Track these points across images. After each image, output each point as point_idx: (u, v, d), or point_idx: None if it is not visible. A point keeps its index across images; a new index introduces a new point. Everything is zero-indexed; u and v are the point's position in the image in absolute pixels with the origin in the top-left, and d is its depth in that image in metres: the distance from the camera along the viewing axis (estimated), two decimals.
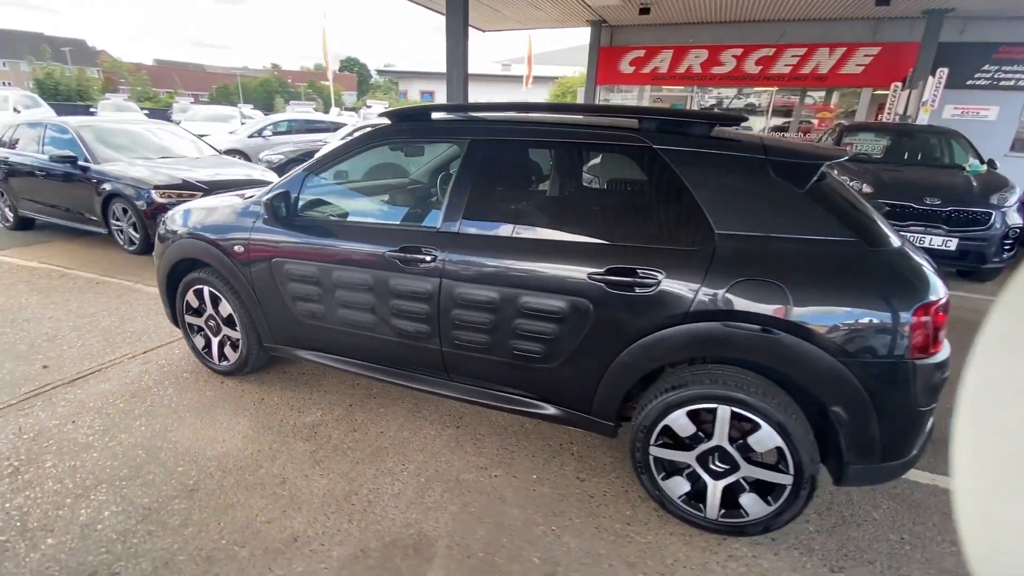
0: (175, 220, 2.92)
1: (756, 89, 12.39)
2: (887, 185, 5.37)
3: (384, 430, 2.55)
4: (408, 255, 2.19)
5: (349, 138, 2.51)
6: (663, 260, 1.84)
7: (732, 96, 12.82)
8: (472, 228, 2.14)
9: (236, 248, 2.61)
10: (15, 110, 12.92)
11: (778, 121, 12.45)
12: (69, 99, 24.33)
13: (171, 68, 66.56)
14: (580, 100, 14.87)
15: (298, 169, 2.57)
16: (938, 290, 1.67)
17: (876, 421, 1.70)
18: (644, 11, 10.38)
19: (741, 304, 1.73)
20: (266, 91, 57.12)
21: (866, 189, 5.41)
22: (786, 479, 1.81)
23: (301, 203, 2.52)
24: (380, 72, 51.86)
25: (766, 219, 1.78)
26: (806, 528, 2.04)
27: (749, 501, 1.89)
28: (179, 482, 2.14)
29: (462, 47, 6.47)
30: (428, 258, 2.15)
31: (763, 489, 1.87)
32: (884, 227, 1.84)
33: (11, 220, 6.24)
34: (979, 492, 0.46)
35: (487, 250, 2.09)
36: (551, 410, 2.16)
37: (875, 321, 1.64)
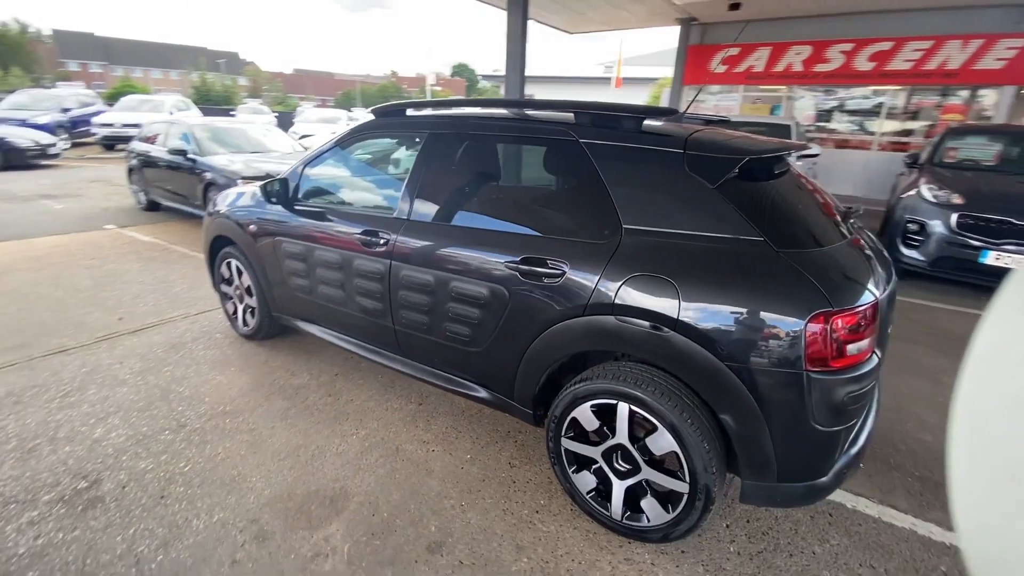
0: (218, 201, 3.42)
1: (887, 88, 11.00)
2: (982, 196, 4.62)
3: (354, 399, 2.80)
4: (368, 237, 2.40)
5: (342, 132, 2.78)
6: (571, 252, 1.85)
7: (856, 96, 11.52)
8: (419, 215, 2.30)
9: (251, 227, 3.01)
10: (170, 112, 15.45)
11: (907, 125, 10.96)
12: (217, 104, 28.62)
13: (305, 76, 74.59)
14: (663, 102, 14.30)
15: (298, 160, 2.90)
16: (848, 299, 1.51)
17: (769, 436, 1.58)
18: (734, 7, 9.79)
19: (632, 299, 1.70)
20: (383, 96, 62.02)
21: (955, 200, 4.70)
22: (683, 487, 1.73)
23: (300, 190, 2.85)
24: (485, 77, 54.09)
25: (673, 215, 1.73)
26: (728, 548, 1.92)
27: (649, 506, 1.84)
28: (174, 419, 2.55)
29: (519, 47, 6.63)
30: (382, 241, 2.35)
31: (664, 495, 1.81)
32: (810, 230, 1.71)
33: (143, 202, 7.54)
34: (977, 502, 0.46)
35: (429, 236, 2.24)
36: (483, 393, 2.24)
37: (766, 326, 1.52)
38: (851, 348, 1.52)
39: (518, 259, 1.95)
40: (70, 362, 3.05)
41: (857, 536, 2.00)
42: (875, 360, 1.62)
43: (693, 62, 12.44)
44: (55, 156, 11.66)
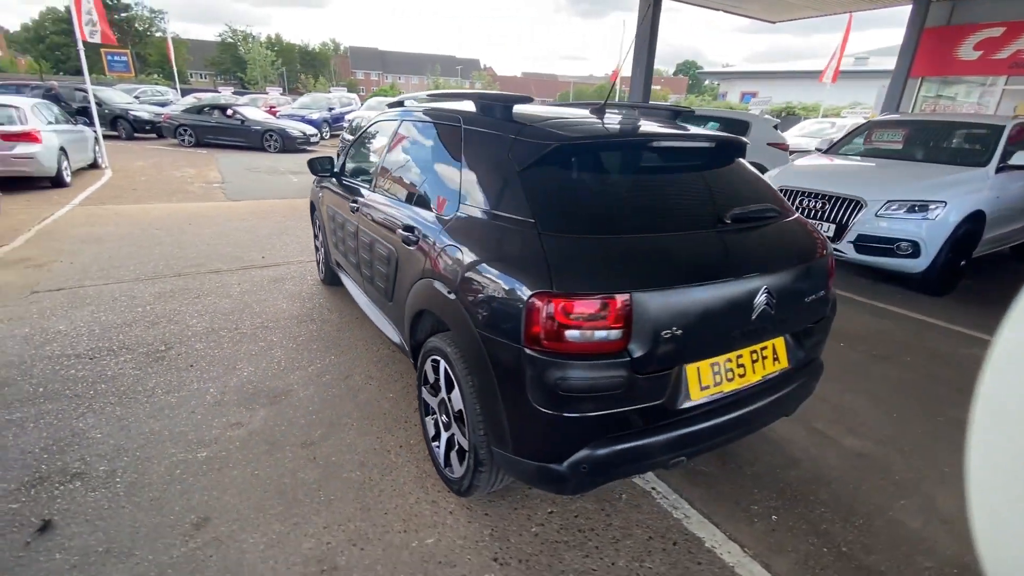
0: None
1: None
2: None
3: (354, 336, 3.47)
4: (351, 203, 3.00)
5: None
6: (428, 223, 2.12)
7: None
8: (378, 189, 2.79)
9: (320, 193, 3.91)
10: None
11: None
12: None
13: (531, 79, 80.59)
14: (881, 98, 11.74)
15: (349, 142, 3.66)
16: (577, 286, 1.49)
17: (502, 405, 1.63)
18: None
19: (443, 266, 1.90)
20: (599, 95, 63.65)
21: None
22: (466, 444, 1.88)
23: (344, 167, 3.60)
24: (710, 74, 50.85)
25: (491, 196, 1.85)
26: (530, 527, 1.97)
27: (455, 459, 2.02)
28: (236, 324, 3.57)
29: (648, 42, 6.44)
30: (353, 207, 2.92)
31: (461, 450, 1.97)
32: (600, 217, 1.70)
33: None
34: (995, 506, 0.45)
35: (376, 205, 2.71)
36: (396, 339, 2.63)
37: (503, 300, 1.60)
38: (572, 334, 1.49)
39: (402, 227, 2.29)
40: (212, 279, 4.43)
41: (683, 571, 1.81)
42: (624, 356, 1.52)
43: (929, 48, 9.96)
44: (315, 144, 15.54)
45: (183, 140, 15.13)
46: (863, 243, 4.59)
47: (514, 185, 1.76)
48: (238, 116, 15.26)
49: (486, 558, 1.83)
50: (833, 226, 4.74)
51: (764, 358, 1.88)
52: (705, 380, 1.72)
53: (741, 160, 2.25)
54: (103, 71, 32.71)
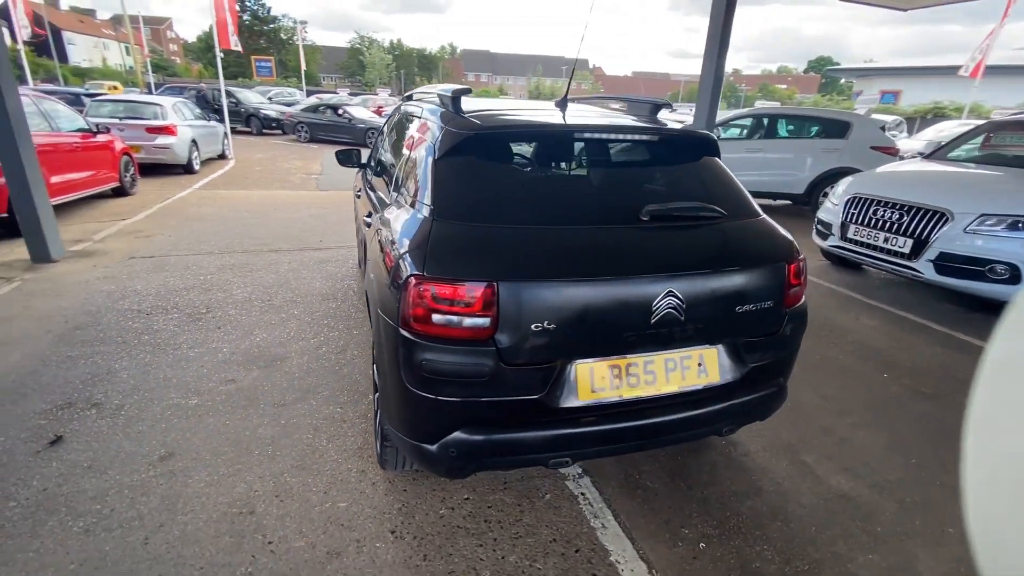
0: None
1: None
2: None
3: (366, 313, 3.72)
4: (357, 191, 3.24)
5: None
6: (379, 208, 2.25)
7: None
8: (372, 178, 2.98)
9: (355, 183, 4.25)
10: None
11: None
12: None
13: (641, 78, 78.18)
14: None
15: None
16: (445, 271, 1.53)
17: (389, 382, 1.71)
18: None
19: (373, 250, 2.03)
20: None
21: None
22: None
23: (372, 158, 3.86)
24: (845, 71, 45.54)
25: (416, 185, 1.91)
26: (439, 509, 2.01)
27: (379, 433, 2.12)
28: (271, 298, 3.99)
29: (720, 34, 5.97)
30: (359, 192, 3.14)
31: None
32: (494, 208, 1.70)
33: None
34: (993, 517, 0.46)
35: (365, 193, 2.90)
36: None
37: (391, 281, 1.66)
38: (439, 318, 1.50)
39: (366, 213, 2.45)
40: (270, 257, 4.98)
41: None
42: (491, 345, 1.51)
43: None
44: None
45: (300, 136, 16.95)
46: (946, 263, 3.92)
47: (429, 174, 1.81)
48: (346, 115, 16.76)
49: (385, 529, 1.91)
50: (910, 241, 4.11)
51: (686, 368, 1.74)
52: (599, 382, 1.64)
53: (712, 159, 2.09)
54: (252, 75, 37.66)
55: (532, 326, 1.52)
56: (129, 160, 7.52)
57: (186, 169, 9.55)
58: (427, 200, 1.74)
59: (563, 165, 1.89)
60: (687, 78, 65.54)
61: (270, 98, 23.34)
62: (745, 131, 8.54)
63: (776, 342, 1.89)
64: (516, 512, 2.02)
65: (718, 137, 7.89)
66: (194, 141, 9.69)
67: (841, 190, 4.94)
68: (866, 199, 4.51)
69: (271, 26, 46.97)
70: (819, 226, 5.10)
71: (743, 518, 2.04)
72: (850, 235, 4.63)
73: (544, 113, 2.10)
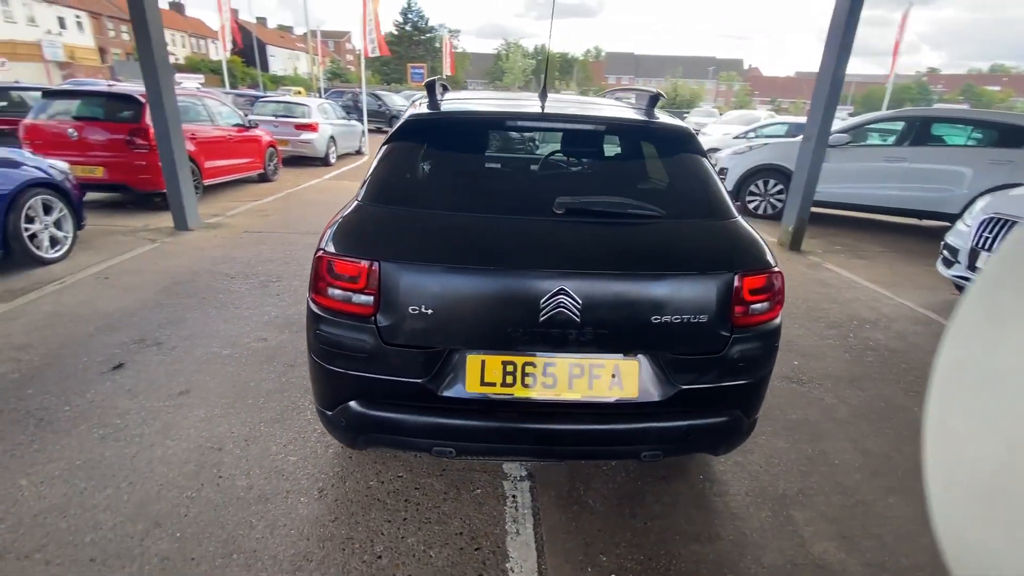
0: None
1: None
2: None
3: None
4: None
5: None
6: None
7: None
8: None
9: None
10: None
11: None
12: (678, 107, 32.59)
13: (804, 79, 70.06)
14: None
15: None
16: (338, 248, 1.61)
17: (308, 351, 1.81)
18: None
19: None
20: (900, 98, 52.06)
21: None
22: None
23: None
24: None
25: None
26: (363, 484, 2.10)
27: None
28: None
29: (840, 32, 5.11)
30: None
31: None
32: (415, 193, 1.72)
33: None
34: (956, 522, 0.47)
35: None
36: None
37: (316, 250, 1.76)
38: (332, 292, 1.57)
39: None
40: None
41: (456, 574, 1.72)
42: (372, 323, 1.54)
43: None
44: None
45: None
46: None
47: (375, 161, 1.90)
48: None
49: (315, 487, 2.05)
50: None
51: (595, 377, 1.59)
52: (490, 377, 1.58)
53: (688, 154, 1.87)
54: (407, 80, 41.66)
55: (410, 309, 1.53)
56: (274, 151, 8.86)
57: (323, 161, 10.94)
58: (365, 185, 1.83)
59: (500, 154, 1.84)
60: (862, 78, 57.17)
61: (414, 101, 25.47)
62: (889, 136, 7.26)
63: (718, 364, 1.63)
64: (439, 499, 2.03)
65: (845, 144, 6.84)
66: (332, 137, 11.07)
67: (978, 208, 3.99)
68: (1007, 220, 3.59)
69: (428, 35, 51.42)
70: (945, 251, 4.18)
71: (677, 561, 1.80)
72: (979, 264, 3.71)
73: (517, 104, 2.06)
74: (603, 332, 1.55)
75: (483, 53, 70.23)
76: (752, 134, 12.25)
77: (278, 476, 2.10)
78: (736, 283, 1.59)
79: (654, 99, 2.14)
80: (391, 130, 1.93)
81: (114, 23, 40.86)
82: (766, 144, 8.03)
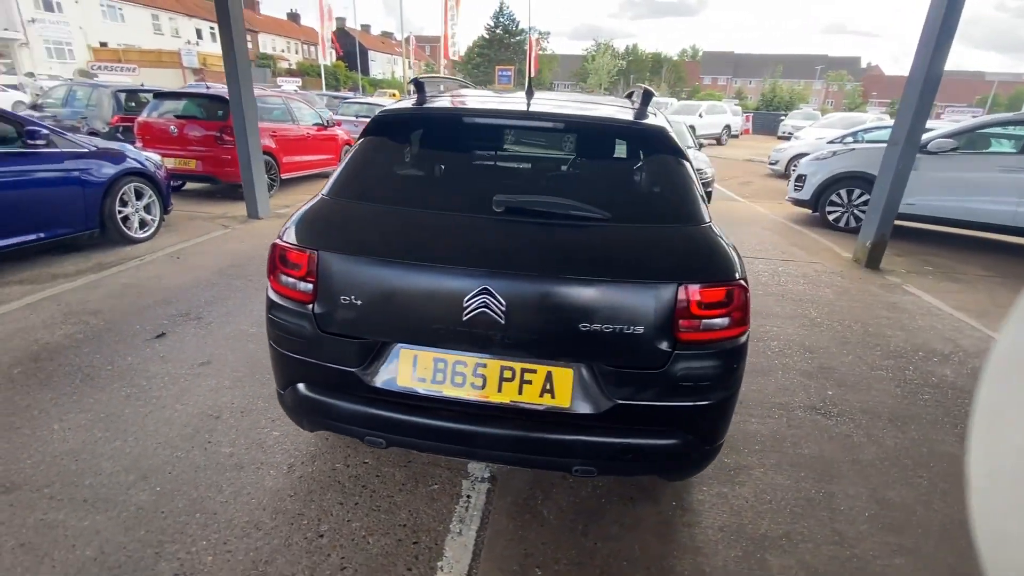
0: None
1: None
2: None
3: None
4: None
5: None
6: None
7: None
8: None
9: None
10: (699, 115, 18.65)
11: None
12: (775, 109, 30.30)
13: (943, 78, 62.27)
14: None
15: None
16: (287, 237, 1.67)
17: None
18: None
19: None
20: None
21: None
22: None
23: None
24: None
25: None
26: (352, 462, 2.18)
27: None
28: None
29: (938, 25, 4.43)
30: None
31: None
32: (379, 188, 1.73)
33: None
34: (997, 511, 0.45)
35: None
36: None
37: None
38: (282, 278, 1.65)
39: None
40: None
41: (386, 564, 1.74)
42: (309, 309, 1.59)
43: None
44: None
45: None
46: None
47: (349, 154, 1.97)
48: None
49: (285, 462, 2.17)
50: None
51: (526, 382, 1.54)
52: (422, 372, 1.58)
53: (661, 155, 1.76)
54: (494, 82, 42.57)
55: (342, 298, 1.57)
56: (348, 148, 9.45)
57: None
58: (331, 178, 1.90)
59: (461, 151, 1.82)
60: (1010, 77, 49.62)
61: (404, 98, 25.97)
62: (1005, 142, 6.25)
63: (659, 381, 1.50)
64: (395, 489, 2.06)
65: (949, 150, 6.01)
66: None
67: None
68: None
69: (517, 38, 52.13)
70: None
71: None
72: None
73: (489, 102, 2.03)
74: (529, 336, 1.49)
75: (574, 55, 69.97)
76: (850, 139, 11.11)
77: (258, 448, 2.24)
78: (681, 295, 1.46)
79: (647, 96, 2.02)
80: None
81: None
82: (852, 149, 7.24)
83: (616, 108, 1.98)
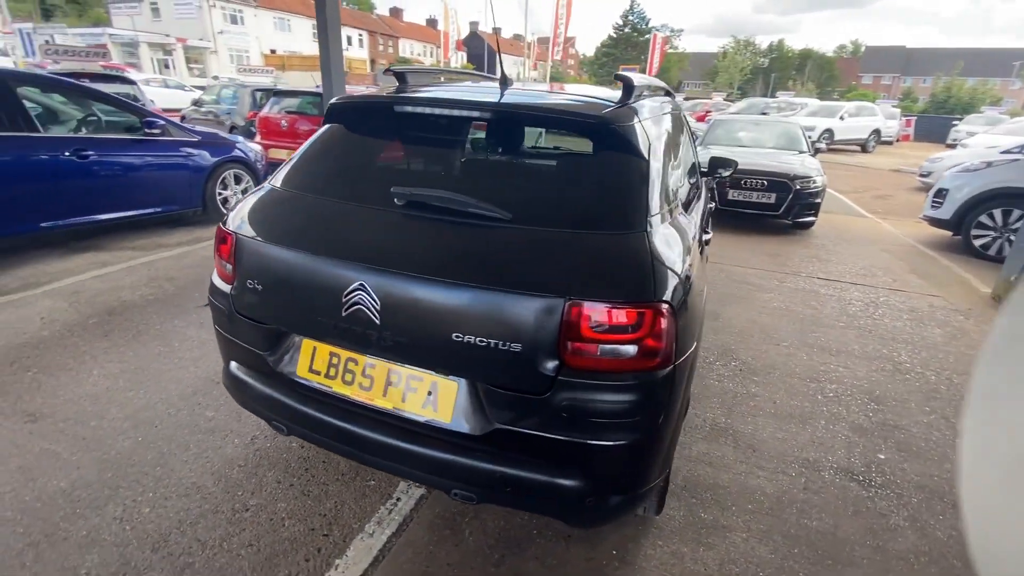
0: None
1: None
2: None
3: None
4: None
5: None
6: None
7: None
8: None
9: None
10: (840, 117, 16.44)
11: None
12: (949, 112, 25.34)
13: None
14: None
15: None
16: (226, 223, 1.72)
17: None
18: None
19: None
20: None
21: None
22: None
23: None
24: None
25: None
26: (295, 449, 2.25)
27: None
28: None
29: None
30: None
31: None
32: (321, 181, 1.76)
33: None
34: (987, 496, 0.45)
35: None
36: None
37: None
38: (218, 260, 1.72)
39: None
40: None
41: (286, 548, 1.75)
42: (228, 290, 1.64)
43: None
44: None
45: None
46: None
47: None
48: None
49: (250, 434, 2.28)
50: None
51: (411, 390, 1.43)
52: (318, 365, 1.55)
53: (610, 153, 1.54)
54: (616, 84, 41.55)
55: (248, 282, 1.59)
56: None
57: None
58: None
59: (392, 139, 1.74)
60: None
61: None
62: None
63: (541, 410, 1.30)
64: (334, 477, 2.07)
65: None
66: None
67: None
68: None
69: (646, 37, 50.18)
70: None
71: None
72: None
73: (448, 91, 1.91)
74: (405, 340, 1.38)
75: (710, 52, 65.73)
76: None
77: (234, 417, 2.39)
78: (569, 312, 1.24)
79: (628, 87, 1.78)
80: None
81: (384, 39, 50.23)
82: (1016, 160, 5.80)
83: (581, 98, 1.77)
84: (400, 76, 2.08)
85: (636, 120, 1.60)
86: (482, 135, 1.78)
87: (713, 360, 3.19)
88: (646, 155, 1.53)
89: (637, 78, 1.87)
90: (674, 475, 2.06)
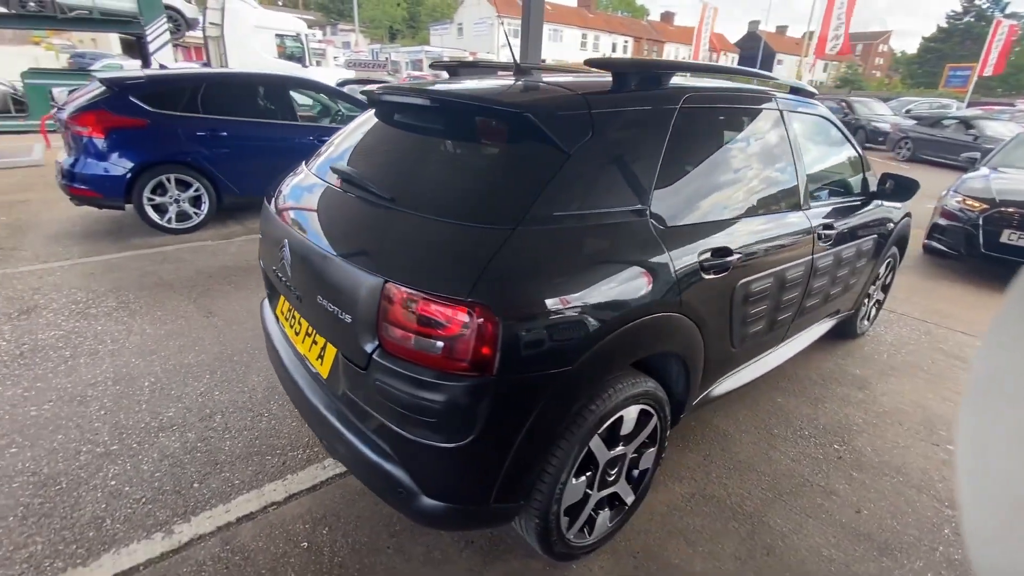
0: None
1: None
2: None
3: None
4: None
5: None
6: None
7: None
8: None
9: None
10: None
11: None
12: None
13: None
14: None
15: None
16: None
17: None
18: None
19: None
20: None
21: None
22: None
23: None
24: None
25: None
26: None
27: None
28: None
29: None
30: None
31: None
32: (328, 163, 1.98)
33: None
34: (987, 537, 0.45)
35: None
36: None
37: None
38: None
39: None
40: None
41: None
42: None
43: None
44: None
45: (899, 153, 14.32)
46: None
47: None
48: (975, 131, 12.63)
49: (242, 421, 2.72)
50: None
51: (314, 343, 1.61)
52: (287, 312, 1.82)
53: (526, 144, 1.44)
54: (940, 85, 32.00)
55: (260, 235, 1.98)
56: None
57: None
58: None
59: (386, 125, 1.85)
60: None
61: (908, 110, 19.98)
62: None
63: (365, 384, 1.32)
64: (297, 447, 2.18)
65: None
66: None
67: None
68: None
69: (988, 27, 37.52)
70: None
71: None
72: None
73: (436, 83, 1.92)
74: (300, 295, 1.57)
75: None
76: None
77: (234, 405, 2.43)
78: (387, 292, 1.23)
79: (620, 77, 1.58)
80: None
81: (649, 44, 50.10)
82: None
83: (551, 91, 1.63)
84: (450, 69, 2.25)
85: (567, 112, 1.43)
86: (432, 124, 1.77)
87: (810, 434, 2.45)
88: (565, 149, 1.36)
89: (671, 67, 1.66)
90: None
